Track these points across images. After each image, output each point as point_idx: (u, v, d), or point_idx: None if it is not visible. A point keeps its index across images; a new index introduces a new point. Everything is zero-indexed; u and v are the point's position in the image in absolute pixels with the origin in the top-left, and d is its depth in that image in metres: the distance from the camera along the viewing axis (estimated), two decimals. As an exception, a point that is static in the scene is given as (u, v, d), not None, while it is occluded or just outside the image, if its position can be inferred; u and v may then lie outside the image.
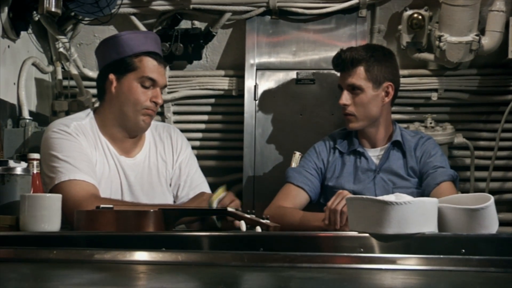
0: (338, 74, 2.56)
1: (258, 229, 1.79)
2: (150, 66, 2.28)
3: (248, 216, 1.83)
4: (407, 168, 2.45)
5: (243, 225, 1.84)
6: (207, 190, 2.41)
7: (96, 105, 3.12)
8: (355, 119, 2.45)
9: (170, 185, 2.41)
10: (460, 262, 1.21)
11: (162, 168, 2.39)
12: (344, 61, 2.44)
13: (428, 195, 2.33)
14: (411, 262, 1.21)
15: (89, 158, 2.22)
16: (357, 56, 2.43)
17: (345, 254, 1.28)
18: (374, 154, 2.52)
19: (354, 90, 2.44)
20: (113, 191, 2.27)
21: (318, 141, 2.63)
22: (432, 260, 1.23)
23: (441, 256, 1.23)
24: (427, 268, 1.20)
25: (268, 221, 1.81)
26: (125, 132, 2.32)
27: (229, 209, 1.88)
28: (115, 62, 2.28)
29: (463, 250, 1.46)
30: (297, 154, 2.57)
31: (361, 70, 2.43)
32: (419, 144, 2.49)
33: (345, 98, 2.45)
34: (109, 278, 1.10)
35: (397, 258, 1.23)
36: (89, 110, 2.38)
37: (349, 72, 2.44)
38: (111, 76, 2.28)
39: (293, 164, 2.55)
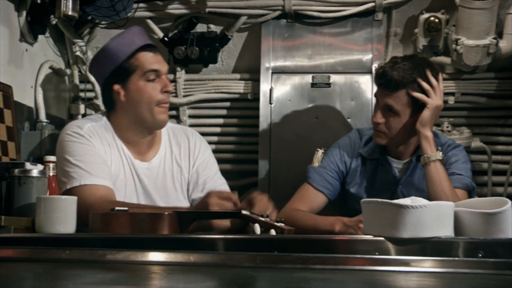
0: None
1: (273, 232, 1.79)
2: (147, 59, 2.23)
3: (263, 219, 1.82)
4: None
5: (257, 228, 1.83)
6: (227, 190, 2.37)
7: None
8: (384, 137, 2.36)
9: (188, 190, 2.39)
10: (475, 265, 1.20)
11: (177, 173, 2.37)
12: (389, 82, 2.28)
13: None
14: (425, 264, 1.20)
15: (102, 159, 2.21)
16: (403, 80, 2.27)
17: (358, 256, 1.26)
18: (397, 166, 2.44)
19: (391, 111, 2.31)
20: (128, 193, 2.26)
21: (333, 144, 2.56)
22: (447, 262, 1.21)
23: (456, 258, 1.21)
24: (442, 270, 1.18)
25: (282, 224, 1.80)
26: (141, 133, 2.30)
27: (244, 212, 1.87)
28: (113, 72, 2.23)
29: (480, 255, 1.44)
30: (320, 152, 2.48)
31: (403, 93, 2.29)
32: (444, 153, 2.38)
33: (379, 116, 2.32)
34: (121, 278, 1.10)
35: (411, 260, 1.21)
36: (101, 115, 2.34)
37: (388, 93, 2.30)
38: (116, 87, 2.24)
39: (315, 163, 2.47)
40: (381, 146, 2.44)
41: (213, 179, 2.37)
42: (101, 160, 2.20)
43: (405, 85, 2.28)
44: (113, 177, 2.23)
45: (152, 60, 2.25)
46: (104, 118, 2.32)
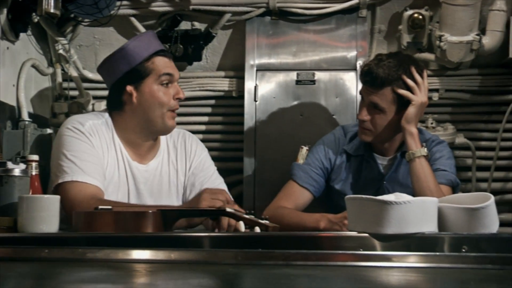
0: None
1: (257, 229, 1.79)
2: (163, 63, 2.27)
3: (247, 216, 1.82)
4: None
5: (242, 225, 1.83)
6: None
7: (98, 106, 3.14)
8: (370, 134, 2.37)
9: (186, 193, 2.38)
10: (457, 260, 1.20)
11: (173, 177, 2.37)
12: (374, 79, 2.30)
13: None
14: (407, 259, 1.21)
15: (98, 159, 2.21)
16: (389, 77, 2.29)
17: (341, 251, 1.27)
18: (382, 162, 2.46)
19: (376, 108, 2.33)
20: (120, 196, 2.26)
21: (317, 141, 2.58)
22: (429, 257, 1.22)
23: (438, 253, 1.22)
24: (423, 265, 1.19)
25: (267, 222, 1.80)
26: (146, 137, 2.30)
27: (228, 209, 1.87)
28: (128, 73, 2.25)
29: (463, 250, 1.45)
30: (304, 149, 2.49)
31: (388, 91, 2.31)
32: (428, 149, 2.39)
33: (364, 114, 2.34)
34: (100, 276, 1.09)
35: (393, 255, 1.22)
36: (105, 113, 2.34)
37: (374, 90, 2.32)
38: (129, 88, 2.25)
39: (300, 160, 2.47)
40: (366, 143, 2.44)
41: (210, 179, 2.38)
42: (97, 160, 2.20)
43: (390, 82, 2.29)
44: (107, 178, 2.22)
45: (167, 65, 2.28)
46: (106, 116, 2.31)
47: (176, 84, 2.30)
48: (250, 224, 1.81)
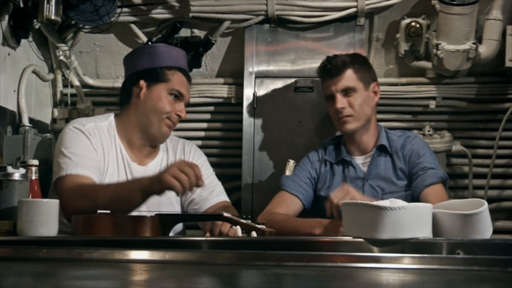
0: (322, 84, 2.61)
1: (254, 234, 1.80)
2: (180, 80, 2.38)
3: (244, 221, 1.84)
4: (396, 170, 2.46)
5: (238, 230, 1.85)
6: (222, 192, 2.47)
7: (98, 112, 3.16)
8: (352, 119, 2.47)
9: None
10: (445, 261, 1.22)
11: None
12: (336, 67, 2.48)
13: (417, 197, 2.33)
14: (395, 261, 1.23)
15: (95, 155, 2.27)
16: (346, 60, 2.50)
17: (331, 253, 1.29)
18: (361, 162, 2.53)
19: (348, 92, 2.47)
20: None
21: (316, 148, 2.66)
22: (417, 259, 1.24)
23: (426, 255, 1.24)
24: (412, 266, 1.21)
25: (263, 226, 1.83)
26: (144, 140, 2.38)
27: (225, 214, 1.89)
28: (148, 70, 2.36)
29: (457, 256, 1.46)
30: (291, 162, 2.59)
31: (351, 72, 2.49)
32: (406, 143, 2.49)
33: (341, 102, 2.47)
34: (97, 275, 1.11)
35: (382, 257, 1.24)
36: (111, 114, 2.44)
37: (340, 77, 2.48)
38: (142, 83, 2.36)
39: (287, 172, 2.57)
40: (344, 146, 2.53)
41: (207, 181, 2.41)
42: (93, 155, 2.26)
43: (348, 65, 2.48)
44: (107, 180, 2.26)
45: (183, 85, 2.40)
46: (111, 118, 2.39)
47: (183, 104, 2.39)
48: (247, 229, 1.83)
